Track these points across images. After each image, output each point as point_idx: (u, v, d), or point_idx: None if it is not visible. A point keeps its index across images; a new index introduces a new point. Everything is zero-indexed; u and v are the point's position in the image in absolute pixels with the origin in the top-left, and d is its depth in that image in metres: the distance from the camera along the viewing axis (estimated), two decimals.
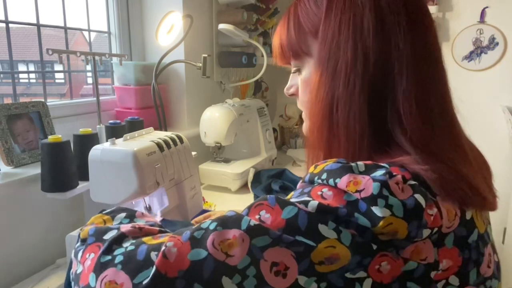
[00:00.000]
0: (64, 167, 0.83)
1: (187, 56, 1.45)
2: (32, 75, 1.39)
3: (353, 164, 0.43)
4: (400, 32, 0.48)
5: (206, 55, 1.28)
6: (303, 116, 0.62)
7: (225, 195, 1.31)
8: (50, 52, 0.89)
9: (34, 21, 1.09)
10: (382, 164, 0.43)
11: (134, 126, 1.06)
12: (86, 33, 1.31)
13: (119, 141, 0.82)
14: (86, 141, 0.88)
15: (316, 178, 0.44)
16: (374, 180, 0.40)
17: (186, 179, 0.92)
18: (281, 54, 0.59)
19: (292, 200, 0.43)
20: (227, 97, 1.58)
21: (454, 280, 0.43)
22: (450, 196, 0.43)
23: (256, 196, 1.26)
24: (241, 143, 1.53)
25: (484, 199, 0.46)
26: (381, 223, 0.38)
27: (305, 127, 0.61)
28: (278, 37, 0.59)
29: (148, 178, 0.78)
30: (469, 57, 2.05)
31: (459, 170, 0.46)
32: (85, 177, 0.82)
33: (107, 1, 1.38)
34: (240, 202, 1.23)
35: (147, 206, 0.85)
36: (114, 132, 1.00)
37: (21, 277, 0.84)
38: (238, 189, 1.35)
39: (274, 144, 1.66)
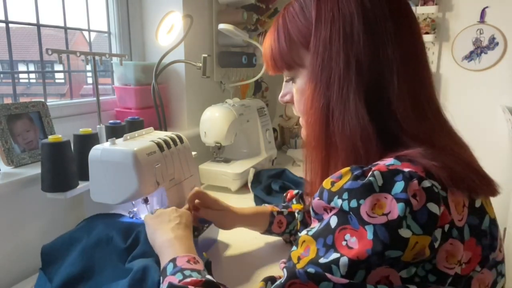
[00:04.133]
0: (64, 167, 0.83)
1: (187, 56, 1.45)
2: (32, 75, 1.39)
3: (371, 178, 0.42)
4: (388, 39, 0.49)
5: (206, 55, 1.28)
6: (301, 122, 0.63)
7: (225, 195, 1.31)
8: (50, 52, 0.89)
9: (34, 21, 1.09)
10: (397, 168, 0.43)
11: (134, 126, 1.06)
12: (86, 33, 1.31)
13: (119, 141, 0.82)
14: (86, 141, 0.88)
15: (336, 197, 0.44)
16: (398, 200, 0.41)
17: (186, 179, 0.92)
18: (274, 65, 0.59)
19: (319, 256, 0.43)
20: (227, 97, 1.58)
21: (477, 267, 0.45)
22: (460, 187, 0.44)
23: (256, 196, 1.26)
24: (241, 143, 1.53)
25: (490, 183, 0.48)
26: (408, 245, 0.39)
27: (303, 133, 0.62)
28: (269, 49, 0.59)
29: (148, 178, 0.78)
30: (469, 57, 2.05)
31: (462, 158, 0.48)
32: (85, 177, 0.82)
33: (107, 1, 1.38)
34: (240, 202, 1.23)
35: (145, 197, 0.85)
36: (114, 132, 1.00)
37: (21, 277, 0.84)
38: (238, 189, 1.35)
39: (274, 144, 1.65)
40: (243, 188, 1.36)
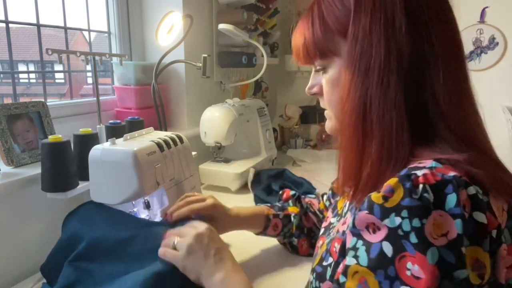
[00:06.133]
0: (64, 167, 0.83)
1: (187, 56, 1.45)
2: (32, 75, 1.39)
3: (424, 195, 0.40)
4: (431, 27, 0.48)
5: (206, 55, 1.28)
6: (327, 114, 0.61)
7: (225, 195, 1.31)
8: (50, 52, 0.89)
9: (34, 21, 1.09)
10: (444, 177, 0.41)
11: (134, 126, 1.06)
12: (86, 33, 1.31)
13: (119, 141, 0.82)
14: (86, 141, 0.88)
15: (393, 215, 0.41)
16: (454, 216, 0.39)
17: (186, 179, 0.92)
18: (306, 54, 0.57)
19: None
20: (227, 97, 1.58)
21: None
22: (501, 193, 0.43)
23: (256, 197, 1.26)
24: (241, 143, 1.53)
25: None
26: (467, 262, 0.38)
27: (331, 126, 0.60)
28: (301, 37, 0.57)
29: (148, 178, 0.78)
30: (469, 57, 2.05)
31: (499, 162, 0.47)
32: (85, 177, 0.82)
33: (107, 1, 1.38)
34: (240, 202, 1.23)
35: (146, 201, 0.85)
36: (114, 132, 1.00)
37: (21, 277, 0.84)
38: (238, 189, 1.35)
39: (274, 144, 1.65)
40: (243, 188, 1.36)
